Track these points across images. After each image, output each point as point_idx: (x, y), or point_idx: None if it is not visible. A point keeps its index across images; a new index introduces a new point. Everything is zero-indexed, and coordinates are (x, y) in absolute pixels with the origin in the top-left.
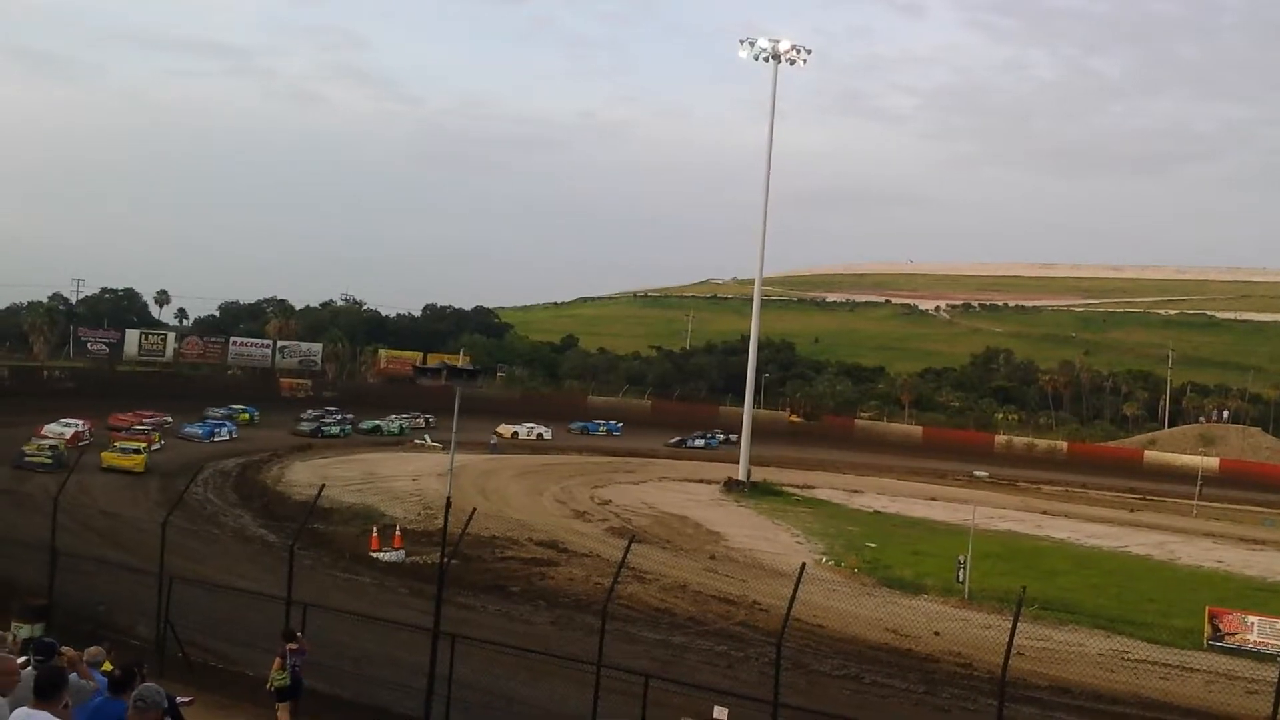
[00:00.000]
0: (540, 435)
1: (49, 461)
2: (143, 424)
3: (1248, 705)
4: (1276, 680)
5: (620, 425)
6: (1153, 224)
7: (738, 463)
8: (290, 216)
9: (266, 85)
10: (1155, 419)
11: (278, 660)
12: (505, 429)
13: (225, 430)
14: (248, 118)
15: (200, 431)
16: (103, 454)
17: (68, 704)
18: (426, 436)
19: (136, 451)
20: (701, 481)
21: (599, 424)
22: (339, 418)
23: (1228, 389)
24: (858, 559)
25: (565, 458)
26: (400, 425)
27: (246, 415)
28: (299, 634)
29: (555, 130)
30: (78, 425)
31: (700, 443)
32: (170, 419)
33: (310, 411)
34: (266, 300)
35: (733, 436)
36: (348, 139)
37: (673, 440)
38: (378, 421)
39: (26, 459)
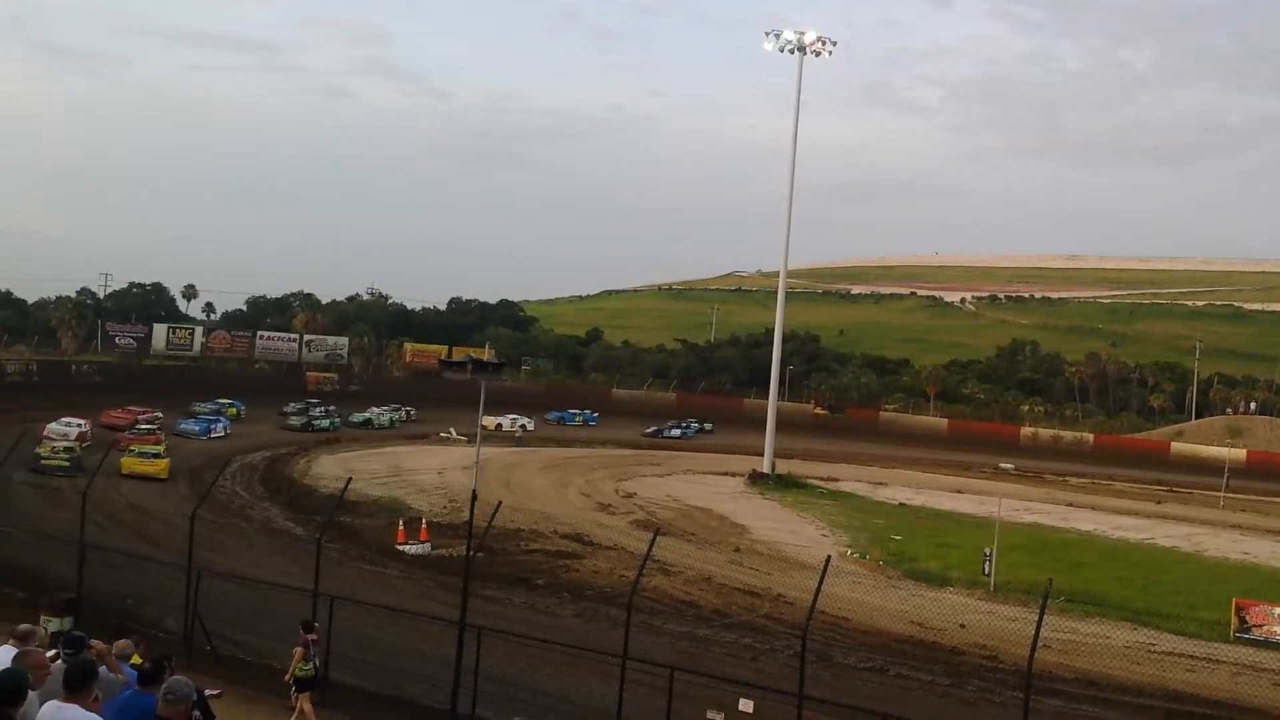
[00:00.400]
0: (524, 426)
1: (66, 464)
2: (139, 422)
3: (1275, 697)
4: None
5: (596, 415)
6: (1180, 215)
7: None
8: (317, 211)
9: (293, 80)
10: (1182, 411)
11: (299, 650)
12: (489, 420)
13: (221, 425)
14: (274, 112)
15: (197, 428)
16: (122, 459)
17: (98, 697)
18: (451, 430)
19: (158, 456)
20: (726, 474)
21: (574, 413)
22: (324, 410)
23: (1255, 380)
24: (883, 552)
25: (589, 450)
26: (390, 418)
27: (234, 410)
28: (316, 624)
29: (581, 123)
30: (80, 425)
31: (676, 432)
32: (161, 414)
33: (294, 404)
34: (293, 294)
35: (707, 426)
36: (374, 134)
37: (649, 430)
38: (368, 415)
39: (43, 462)
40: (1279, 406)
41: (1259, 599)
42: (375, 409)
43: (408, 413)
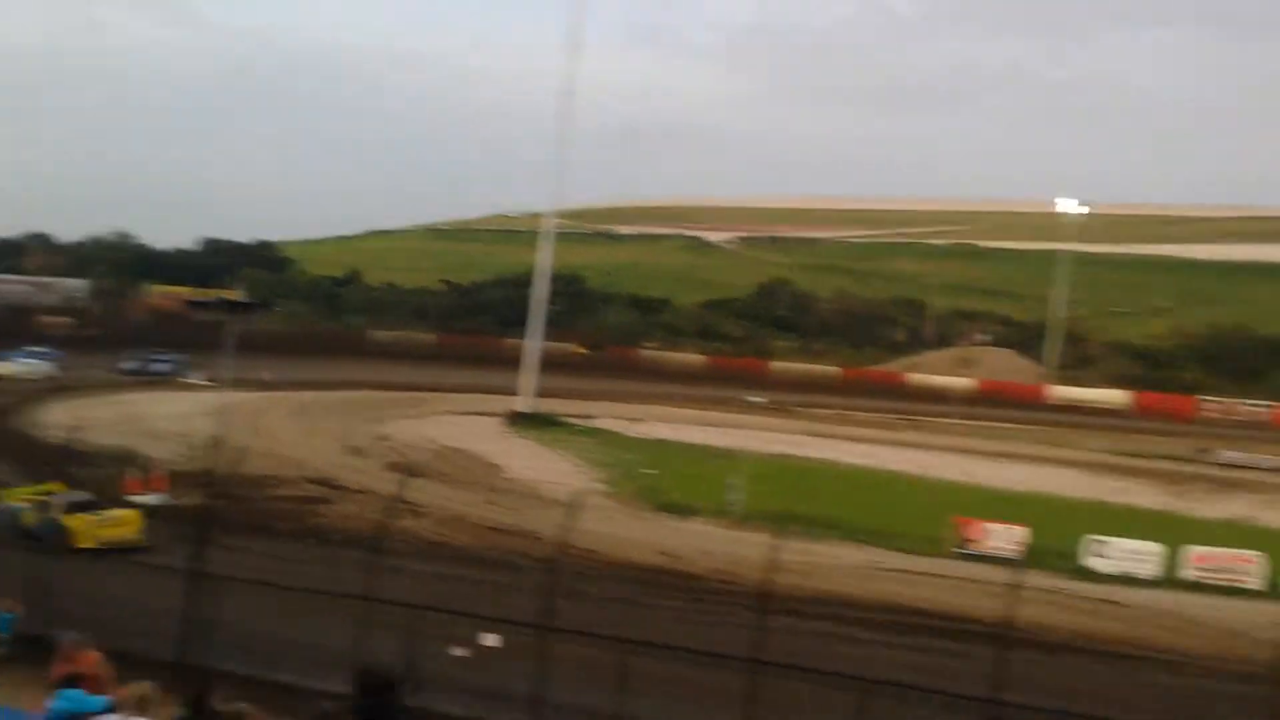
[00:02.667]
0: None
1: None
2: None
3: (984, 605)
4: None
5: (53, 353)
6: (938, 156)
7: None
8: (56, 147)
9: (45, 4)
10: (923, 344)
11: None
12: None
13: None
14: (15, 36)
15: None
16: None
17: None
18: (196, 374)
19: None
20: (485, 415)
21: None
22: None
23: (989, 315)
24: (635, 486)
25: (349, 394)
26: None
27: None
28: None
29: (351, 58)
30: None
31: (164, 366)
32: None
33: None
34: (29, 235)
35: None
36: (128, 65)
37: (128, 366)
38: None
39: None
40: (1008, 338)
41: (977, 517)
42: None
43: None
